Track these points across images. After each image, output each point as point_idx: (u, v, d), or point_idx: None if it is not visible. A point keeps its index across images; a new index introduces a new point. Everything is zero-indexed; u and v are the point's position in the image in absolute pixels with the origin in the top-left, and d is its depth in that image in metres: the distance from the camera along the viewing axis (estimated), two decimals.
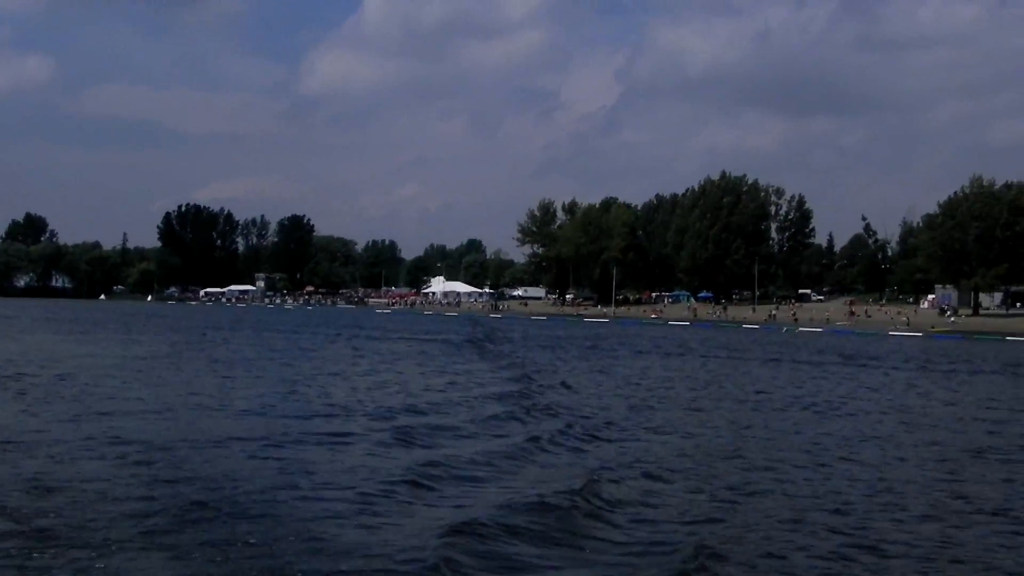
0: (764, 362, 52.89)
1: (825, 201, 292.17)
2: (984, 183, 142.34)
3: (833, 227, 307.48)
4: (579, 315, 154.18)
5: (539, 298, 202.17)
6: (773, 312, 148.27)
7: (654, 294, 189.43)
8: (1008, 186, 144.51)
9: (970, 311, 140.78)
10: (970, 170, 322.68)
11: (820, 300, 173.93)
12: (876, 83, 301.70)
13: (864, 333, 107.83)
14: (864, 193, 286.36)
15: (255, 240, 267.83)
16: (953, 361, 57.90)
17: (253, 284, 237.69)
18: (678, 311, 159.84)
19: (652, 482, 16.21)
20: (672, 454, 19.24)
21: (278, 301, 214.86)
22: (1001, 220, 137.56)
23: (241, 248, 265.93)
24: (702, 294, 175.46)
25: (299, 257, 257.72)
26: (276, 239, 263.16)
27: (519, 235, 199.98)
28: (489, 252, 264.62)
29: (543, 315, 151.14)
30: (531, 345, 63.10)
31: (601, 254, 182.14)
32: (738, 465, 18.13)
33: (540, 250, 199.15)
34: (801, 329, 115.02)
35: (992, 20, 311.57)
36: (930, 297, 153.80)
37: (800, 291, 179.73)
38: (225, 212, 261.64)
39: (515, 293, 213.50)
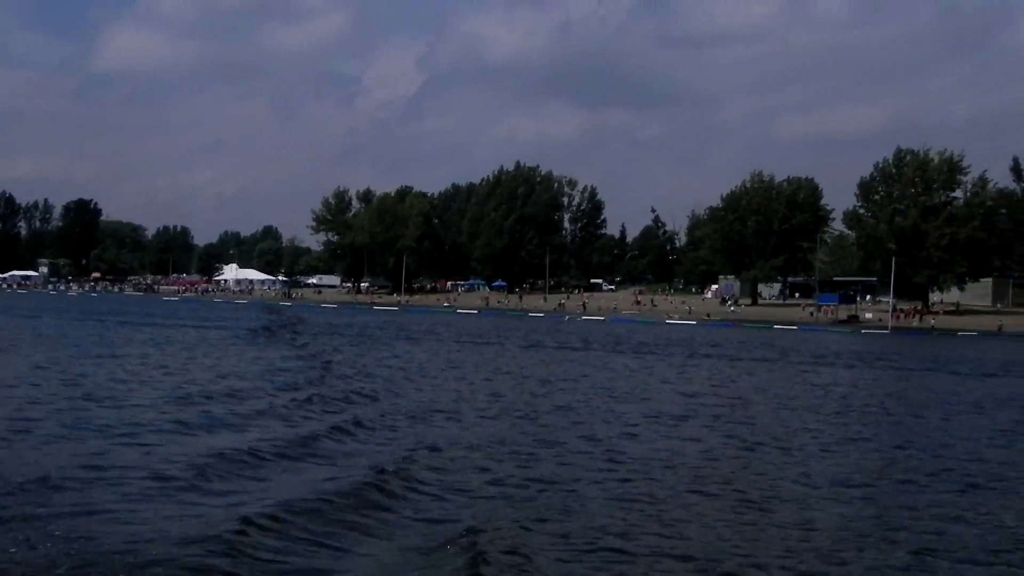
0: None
1: (621, 193, 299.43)
2: (764, 178, 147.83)
3: (628, 218, 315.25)
4: (371, 303, 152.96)
5: (334, 286, 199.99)
6: (563, 301, 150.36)
7: (449, 283, 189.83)
8: (789, 181, 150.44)
9: (750, 301, 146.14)
10: (760, 164, 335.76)
11: (611, 290, 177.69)
12: (673, 77, 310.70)
13: (644, 321, 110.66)
14: (659, 185, 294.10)
15: (39, 224, 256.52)
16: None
17: (36, 270, 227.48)
18: (470, 300, 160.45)
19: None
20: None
21: (62, 287, 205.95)
22: (779, 214, 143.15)
23: (24, 232, 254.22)
24: (497, 283, 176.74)
25: (85, 242, 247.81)
26: (61, 223, 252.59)
27: (313, 223, 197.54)
28: (285, 239, 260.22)
29: (334, 303, 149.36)
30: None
31: (396, 243, 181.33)
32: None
33: (335, 238, 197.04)
34: (584, 318, 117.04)
35: (784, 16, 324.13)
36: (714, 287, 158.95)
37: (592, 280, 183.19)
38: (6, 195, 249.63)
39: (310, 281, 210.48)
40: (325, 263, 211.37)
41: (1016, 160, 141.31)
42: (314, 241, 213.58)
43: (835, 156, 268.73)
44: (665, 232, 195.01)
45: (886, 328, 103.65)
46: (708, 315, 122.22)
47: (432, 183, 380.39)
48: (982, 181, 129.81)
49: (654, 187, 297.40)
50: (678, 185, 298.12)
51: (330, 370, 33.67)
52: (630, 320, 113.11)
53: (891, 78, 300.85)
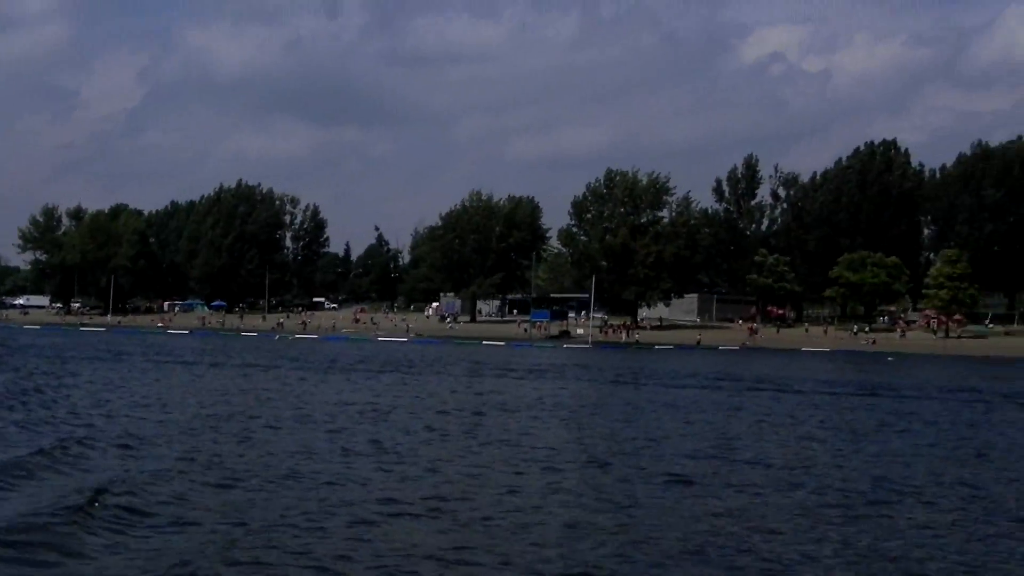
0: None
1: (352, 211, 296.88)
2: (483, 197, 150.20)
3: (358, 236, 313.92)
4: (80, 324, 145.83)
5: (42, 307, 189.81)
6: (281, 320, 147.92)
7: (166, 303, 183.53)
8: (509, 199, 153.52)
9: (469, 318, 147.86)
10: (493, 182, 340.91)
11: (334, 308, 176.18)
12: (405, 96, 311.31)
13: (357, 339, 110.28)
14: (391, 203, 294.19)
15: None
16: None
17: None
18: (187, 320, 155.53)
19: None
20: None
21: None
22: (496, 232, 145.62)
23: None
24: (216, 303, 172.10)
25: None
26: None
27: (20, 241, 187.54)
28: None
29: (39, 324, 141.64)
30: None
31: (109, 261, 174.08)
32: None
33: (43, 257, 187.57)
34: (297, 336, 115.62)
35: (514, 39, 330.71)
36: (435, 305, 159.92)
37: (315, 299, 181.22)
38: None
39: (17, 302, 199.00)
40: (33, 283, 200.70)
41: (719, 181, 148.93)
42: (22, 260, 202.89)
43: (565, 175, 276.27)
44: (389, 250, 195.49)
45: (588, 343, 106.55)
46: (418, 333, 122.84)
47: (154, 201, 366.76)
48: (686, 201, 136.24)
49: (385, 205, 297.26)
50: (410, 203, 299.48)
51: None
52: (342, 338, 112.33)
53: (615, 100, 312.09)
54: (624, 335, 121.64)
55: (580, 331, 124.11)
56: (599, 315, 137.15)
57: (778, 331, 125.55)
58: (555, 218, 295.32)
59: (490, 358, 70.46)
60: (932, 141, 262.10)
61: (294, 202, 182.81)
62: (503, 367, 58.25)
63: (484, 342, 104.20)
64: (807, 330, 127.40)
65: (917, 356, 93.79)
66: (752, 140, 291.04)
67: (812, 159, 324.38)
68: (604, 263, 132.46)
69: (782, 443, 24.45)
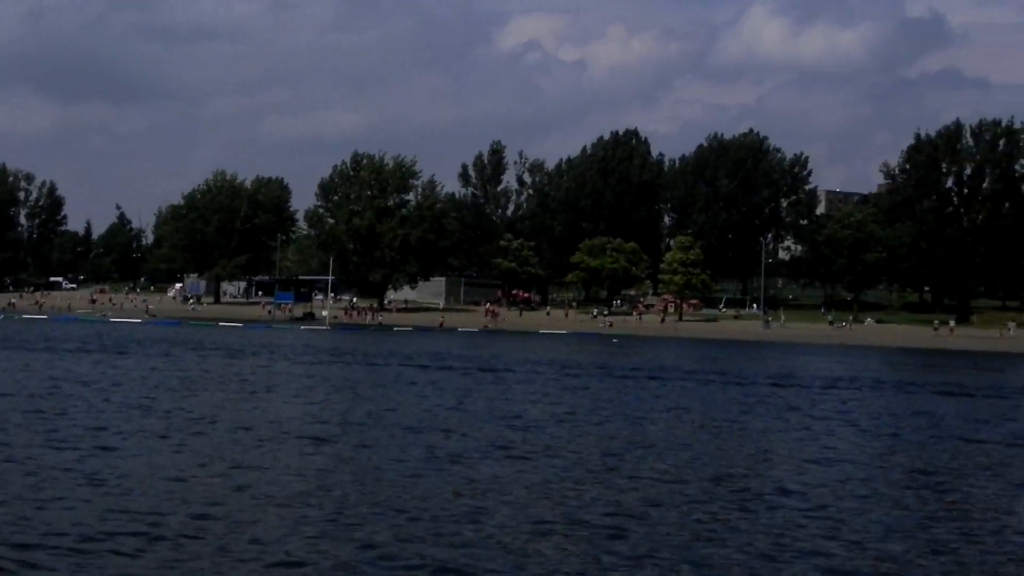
0: None
1: (96, 189, 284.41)
2: (227, 177, 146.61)
3: (101, 215, 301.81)
4: None
5: None
6: (13, 300, 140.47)
7: None
8: (256, 180, 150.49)
9: (213, 299, 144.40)
10: (248, 162, 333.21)
11: (72, 288, 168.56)
12: (155, 72, 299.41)
13: (88, 319, 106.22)
14: (137, 183, 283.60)
15: None
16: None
17: None
18: None
19: None
20: None
21: None
22: (241, 213, 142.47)
23: None
24: None
25: None
26: None
27: None
28: None
29: None
30: None
31: None
32: None
33: None
34: (29, 316, 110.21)
35: (270, 16, 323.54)
36: (178, 285, 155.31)
37: (52, 279, 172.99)
38: None
39: None
40: None
41: (465, 167, 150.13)
42: None
43: (322, 158, 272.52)
44: (131, 229, 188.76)
45: (327, 325, 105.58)
46: (154, 314, 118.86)
47: None
48: (431, 185, 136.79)
49: (132, 184, 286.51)
50: (159, 182, 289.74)
51: None
52: (75, 319, 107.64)
53: (373, 83, 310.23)
54: (369, 317, 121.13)
55: (325, 313, 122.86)
56: (346, 297, 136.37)
57: (520, 314, 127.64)
58: (309, 201, 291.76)
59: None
60: (682, 132, 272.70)
61: (29, 179, 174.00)
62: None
63: (220, 323, 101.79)
64: (549, 313, 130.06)
65: (647, 338, 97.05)
66: (509, 127, 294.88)
67: (569, 148, 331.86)
68: (351, 245, 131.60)
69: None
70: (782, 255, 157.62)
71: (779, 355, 72.23)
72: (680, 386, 40.02)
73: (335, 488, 15.81)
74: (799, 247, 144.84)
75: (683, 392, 37.40)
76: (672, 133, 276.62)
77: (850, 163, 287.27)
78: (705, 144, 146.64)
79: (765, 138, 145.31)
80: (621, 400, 33.40)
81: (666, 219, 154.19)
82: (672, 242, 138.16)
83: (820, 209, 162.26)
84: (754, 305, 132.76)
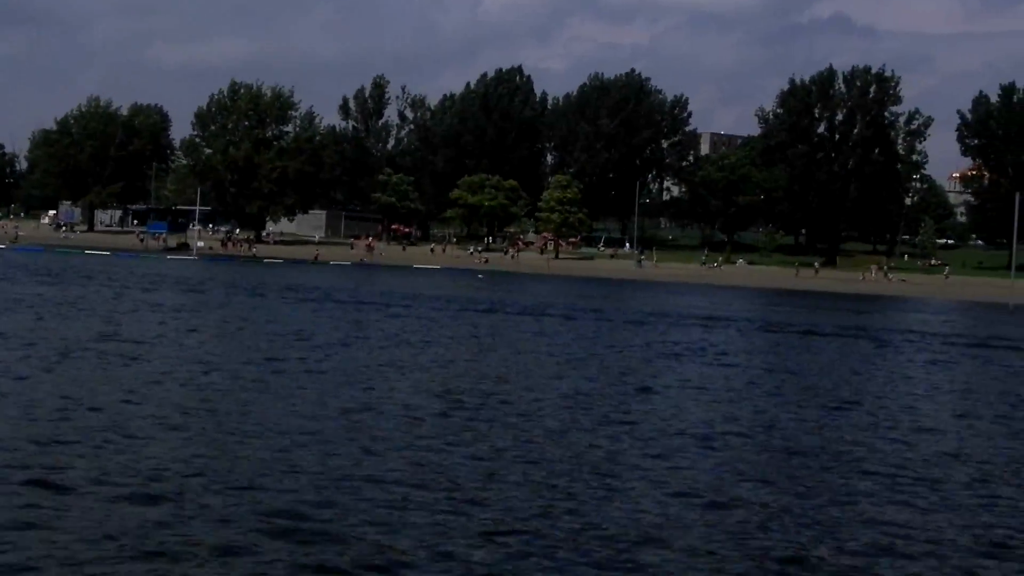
0: None
1: None
2: (102, 103, 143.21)
3: None
4: None
5: None
6: None
7: None
8: (133, 108, 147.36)
9: (87, 227, 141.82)
10: (135, 89, 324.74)
11: None
12: None
13: None
14: (14, 108, 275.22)
15: None
16: None
17: None
18: None
19: None
20: None
21: None
22: (116, 140, 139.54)
23: None
24: None
25: None
26: None
27: None
28: None
29: None
30: None
31: None
32: None
33: None
34: None
35: None
36: (51, 212, 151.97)
37: None
38: None
39: None
40: None
41: (346, 100, 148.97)
42: None
43: (211, 86, 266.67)
44: (4, 154, 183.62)
45: (195, 256, 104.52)
46: (14, 240, 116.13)
47: None
48: (310, 116, 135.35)
49: (11, 108, 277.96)
50: (39, 107, 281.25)
51: None
52: None
53: (264, 11, 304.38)
54: (245, 249, 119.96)
55: (200, 244, 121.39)
56: (225, 228, 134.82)
57: (404, 249, 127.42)
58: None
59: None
60: (574, 70, 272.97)
61: None
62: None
63: (87, 251, 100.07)
64: (433, 250, 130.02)
65: (518, 275, 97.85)
66: (402, 62, 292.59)
67: (461, 82, 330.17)
68: (227, 176, 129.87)
69: None
70: (667, 196, 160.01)
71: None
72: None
73: None
74: (680, 188, 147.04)
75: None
76: (565, 71, 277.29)
77: (741, 105, 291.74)
78: (588, 83, 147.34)
79: (647, 79, 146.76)
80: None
81: (549, 158, 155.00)
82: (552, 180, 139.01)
83: (705, 151, 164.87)
84: (627, 245, 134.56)
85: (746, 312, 56.69)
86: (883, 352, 35.60)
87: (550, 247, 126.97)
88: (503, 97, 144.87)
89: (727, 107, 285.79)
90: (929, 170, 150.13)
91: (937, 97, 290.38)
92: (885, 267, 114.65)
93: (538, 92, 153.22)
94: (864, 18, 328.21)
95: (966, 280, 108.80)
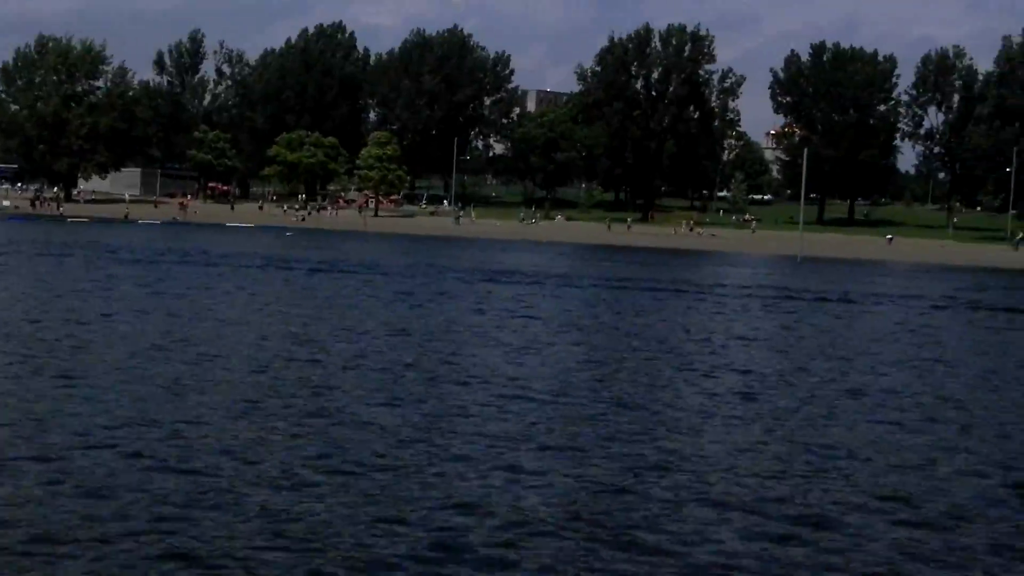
0: None
1: None
2: None
3: None
4: None
5: None
6: None
7: None
8: None
9: None
10: None
11: None
12: None
13: None
14: None
15: None
16: None
17: None
18: None
19: None
20: None
21: None
22: None
23: None
24: None
25: None
26: None
27: None
28: None
29: None
30: None
31: None
32: None
33: None
34: None
35: None
36: None
37: None
38: None
39: None
40: None
41: (160, 54, 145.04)
42: None
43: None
44: None
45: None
46: None
47: None
48: (123, 71, 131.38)
49: None
50: None
51: None
52: None
53: None
54: (54, 208, 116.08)
55: (6, 203, 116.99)
56: (34, 187, 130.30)
57: (232, 208, 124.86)
58: None
59: None
60: (406, 26, 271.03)
61: None
62: None
63: None
64: (262, 207, 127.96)
65: (334, 233, 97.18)
66: (227, 14, 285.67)
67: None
68: (35, 132, 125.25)
69: None
70: (492, 153, 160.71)
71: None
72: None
73: None
74: (505, 145, 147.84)
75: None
76: (395, 27, 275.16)
77: (571, 64, 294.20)
78: (409, 40, 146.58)
79: (469, 35, 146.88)
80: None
81: (372, 115, 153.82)
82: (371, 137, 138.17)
83: (532, 108, 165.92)
84: (445, 202, 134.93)
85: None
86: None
87: (370, 205, 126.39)
88: (324, 53, 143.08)
89: (558, 65, 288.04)
90: (749, 128, 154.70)
91: (760, 56, 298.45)
92: (692, 223, 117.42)
93: (369, 49, 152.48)
94: None
95: (772, 234, 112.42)
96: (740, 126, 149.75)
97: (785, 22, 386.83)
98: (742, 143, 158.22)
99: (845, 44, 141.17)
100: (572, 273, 51.99)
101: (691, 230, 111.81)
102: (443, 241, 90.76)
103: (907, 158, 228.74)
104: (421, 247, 76.15)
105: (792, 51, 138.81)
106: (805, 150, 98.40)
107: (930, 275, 66.09)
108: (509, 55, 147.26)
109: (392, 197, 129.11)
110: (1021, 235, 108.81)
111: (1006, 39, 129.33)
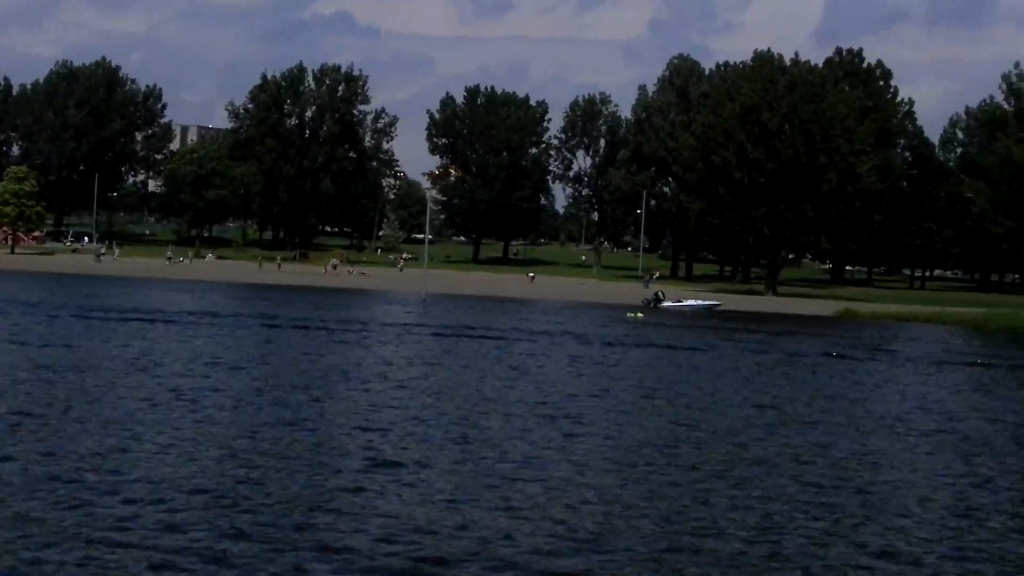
0: None
1: None
2: None
3: None
4: None
5: None
6: None
7: None
8: None
9: None
10: None
11: None
12: None
13: None
14: None
15: None
16: None
17: None
18: None
19: None
20: None
21: None
22: None
23: None
24: None
25: None
26: None
27: None
28: None
29: None
30: None
31: None
32: None
33: None
34: None
35: None
36: None
37: None
38: None
39: None
40: None
41: None
42: None
43: None
44: None
45: None
46: None
47: None
48: None
49: None
50: None
51: None
52: None
53: None
54: None
55: None
56: None
57: None
58: None
59: None
60: (68, 56, 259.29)
61: None
62: None
63: None
64: None
65: None
66: None
67: None
68: None
69: None
70: (148, 189, 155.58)
71: (67, 288, 70.29)
72: None
73: None
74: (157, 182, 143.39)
75: None
76: (56, 58, 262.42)
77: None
78: (55, 71, 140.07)
79: (118, 67, 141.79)
80: None
81: (16, 148, 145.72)
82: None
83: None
84: (85, 239, 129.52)
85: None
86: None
87: (9, 241, 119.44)
88: None
89: (226, 99, 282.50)
90: (416, 168, 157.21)
91: (432, 97, 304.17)
92: (338, 262, 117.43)
93: (9, 80, 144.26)
94: (367, 17, 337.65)
95: (422, 272, 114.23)
96: (398, 166, 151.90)
97: (458, 65, 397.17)
98: (400, 183, 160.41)
99: (510, 89, 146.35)
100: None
101: (334, 268, 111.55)
102: (77, 279, 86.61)
103: (561, 199, 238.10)
104: (52, 285, 72.25)
105: (447, 93, 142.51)
106: (428, 192, 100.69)
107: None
108: (160, 89, 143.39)
109: (34, 234, 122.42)
110: (654, 274, 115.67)
111: (641, 88, 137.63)
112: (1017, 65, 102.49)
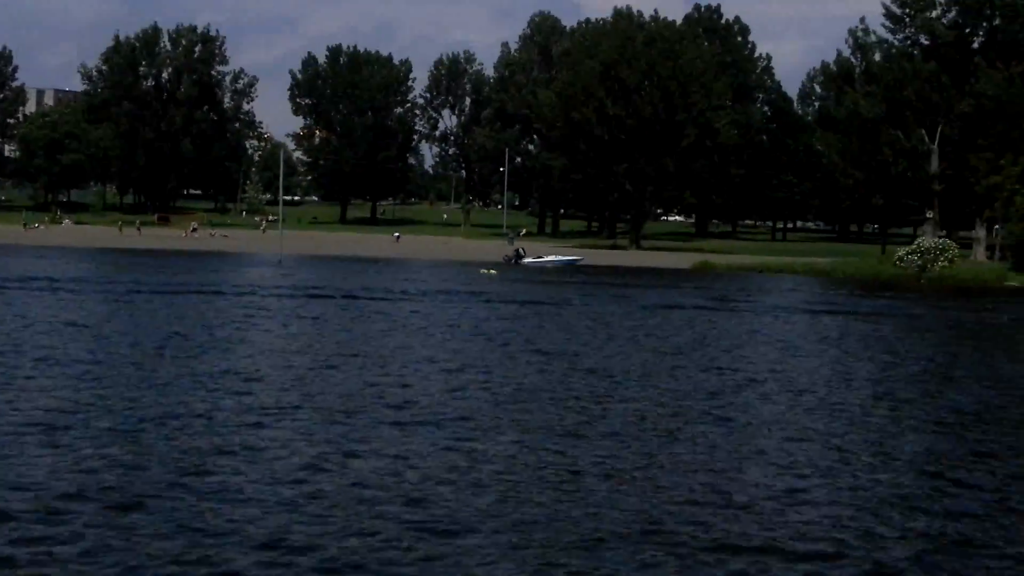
0: None
1: None
2: None
3: None
4: None
5: None
6: None
7: None
8: None
9: None
10: None
11: None
12: None
13: None
14: None
15: None
16: None
17: None
18: None
19: None
20: None
21: None
22: None
23: None
24: None
25: None
26: None
27: None
28: None
29: None
30: None
31: None
32: None
33: None
34: None
35: None
36: None
37: None
38: None
39: None
40: None
41: None
42: None
43: None
44: None
45: None
46: None
47: None
48: None
49: None
50: None
51: None
52: None
53: None
54: None
55: None
56: None
57: None
58: None
59: None
60: None
61: None
62: None
63: None
64: None
65: None
66: None
67: None
68: None
69: None
70: (6, 154, 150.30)
71: None
72: None
73: None
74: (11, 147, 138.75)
75: None
76: None
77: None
78: None
79: None
80: None
81: None
82: None
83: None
84: None
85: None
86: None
87: None
88: None
89: (89, 62, 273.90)
90: (279, 131, 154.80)
91: (298, 58, 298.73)
92: (196, 225, 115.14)
93: None
94: None
95: (287, 234, 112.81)
96: (261, 127, 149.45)
97: (323, 25, 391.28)
98: (265, 145, 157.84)
99: (378, 49, 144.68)
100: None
101: (194, 231, 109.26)
102: None
103: (429, 159, 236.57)
104: None
105: (309, 53, 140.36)
106: (282, 152, 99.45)
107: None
108: (11, 51, 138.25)
109: None
110: (520, 231, 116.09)
111: (504, 45, 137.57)
112: (863, 20, 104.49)
